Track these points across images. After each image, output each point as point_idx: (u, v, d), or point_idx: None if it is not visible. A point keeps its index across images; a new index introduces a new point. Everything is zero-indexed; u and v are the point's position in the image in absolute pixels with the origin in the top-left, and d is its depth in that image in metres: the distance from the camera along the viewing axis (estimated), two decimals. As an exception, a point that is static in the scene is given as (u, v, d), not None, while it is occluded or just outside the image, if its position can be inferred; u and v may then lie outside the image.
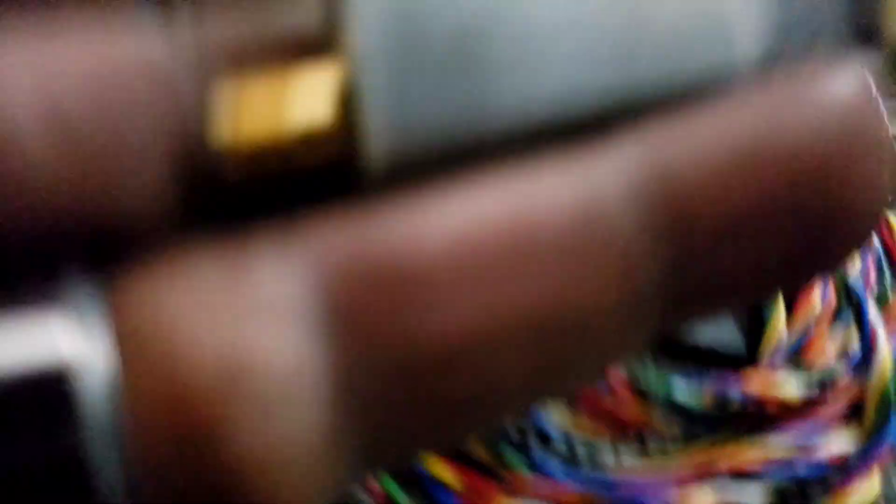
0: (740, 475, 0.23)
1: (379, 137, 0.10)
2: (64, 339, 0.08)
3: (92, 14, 0.10)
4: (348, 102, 0.10)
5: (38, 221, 0.10)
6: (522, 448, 0.23)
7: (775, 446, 0.23)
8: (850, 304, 0.24)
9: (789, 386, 0.24)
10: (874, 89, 0.12)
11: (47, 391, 0.08)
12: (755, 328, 0.26)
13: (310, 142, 0.11)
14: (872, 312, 0.24)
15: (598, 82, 0.12)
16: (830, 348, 0.25)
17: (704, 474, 0.23)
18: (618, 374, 0.24)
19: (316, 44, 0.11)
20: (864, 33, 0.14)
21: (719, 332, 0.27)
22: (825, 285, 0.26)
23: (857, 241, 0.12)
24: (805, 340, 0.25)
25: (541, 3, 0.11)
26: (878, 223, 0.12)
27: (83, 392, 0.08)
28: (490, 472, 0.23)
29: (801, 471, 0.23)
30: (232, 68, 0.11)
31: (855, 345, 0.25)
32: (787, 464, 0.23)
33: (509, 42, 0.11)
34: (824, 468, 0.23)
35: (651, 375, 0.24)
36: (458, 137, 0.11)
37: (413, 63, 0.10)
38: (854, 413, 0.24)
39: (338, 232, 0.10)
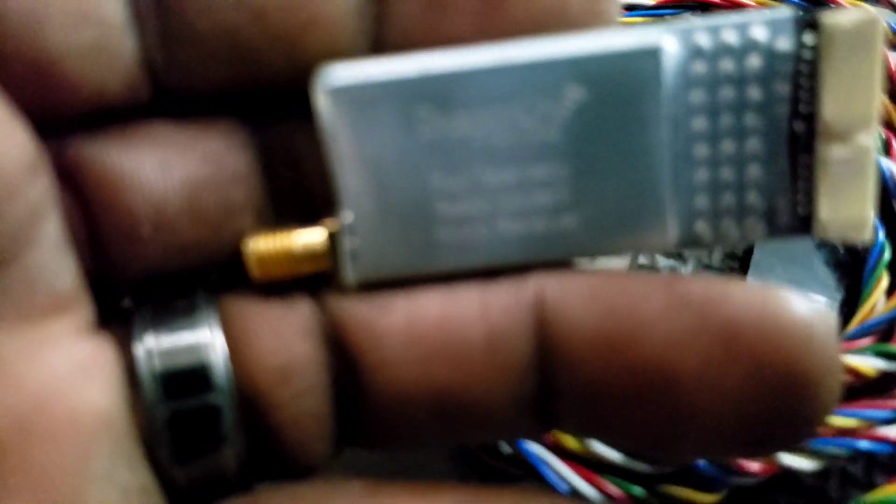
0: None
1: (349, 272, 0.15)
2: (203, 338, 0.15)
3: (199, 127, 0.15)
4: (335, 244, 0.15)
5: (180, 261, 0.15)
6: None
7: (840, 420, 0.23)
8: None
9: (867, 358, 0.23)
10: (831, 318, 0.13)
11: (198, 369, 0.14)
12: (852, 298, 0.26)
13: (311, 263, 0.15)
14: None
15: (528, 243, 0.14)
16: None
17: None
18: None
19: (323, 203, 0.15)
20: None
21: (815, 295, 0.26)
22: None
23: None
24: (899, 318, 0.24)
25: (484, 179, 0.14)
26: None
27: (217, 365, 0.14)
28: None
29: (863, 446, 0.23)
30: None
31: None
32: (849, 436, 0.23)
33: (454, 210, 0.14)
34: (890, 447, 0.23)
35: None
36: (411, 272, 0.15)
37: (378, 226, 0.14)
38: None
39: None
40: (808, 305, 0.13)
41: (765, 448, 0.15)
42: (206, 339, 0.14)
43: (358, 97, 0.14)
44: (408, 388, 0.15)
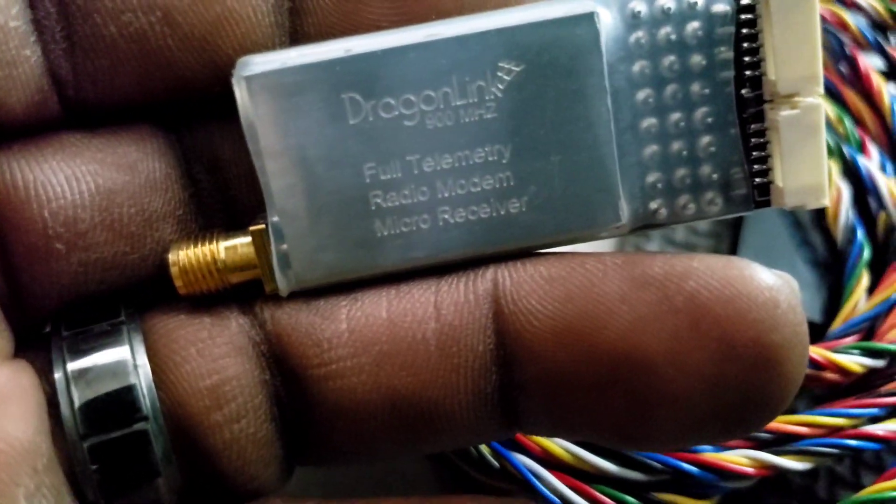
0: (785, 440, 0.23)
1: (281, 278, 0.14)
2: (125, 361, 0.14)
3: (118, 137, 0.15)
4: (264, 249, 0.14)
5: (100, 279, 0.14)
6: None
7: (828, 419, 0.22)
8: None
9: (852, 356, 0.23)
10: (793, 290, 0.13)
11: (121, 395, 0.13)
12: (834, 297, 0.26)
13: (239, 272, 0.14)
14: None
15: (474, 233, 0.14)
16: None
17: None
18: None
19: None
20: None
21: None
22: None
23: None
24: (881, 316, 0.24)
25: (421, 166, 0.14)
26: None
27: (141, 390, 0.13)
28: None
29: (852, 443, 0.22)
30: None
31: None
32: (837, 435, 0.22)
33: (391, 202, 0.14)
34: (877, 444, 0.23)
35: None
36: (350, 273, 0.14)
37: (309, 226, 0.14)
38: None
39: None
40: (770, 274, 0.13)
41: (738, 429, 0.14)
42: (128, 363, 0.13)
43: (279, 84, 0.13)
44: (360, 397, 0.14)
